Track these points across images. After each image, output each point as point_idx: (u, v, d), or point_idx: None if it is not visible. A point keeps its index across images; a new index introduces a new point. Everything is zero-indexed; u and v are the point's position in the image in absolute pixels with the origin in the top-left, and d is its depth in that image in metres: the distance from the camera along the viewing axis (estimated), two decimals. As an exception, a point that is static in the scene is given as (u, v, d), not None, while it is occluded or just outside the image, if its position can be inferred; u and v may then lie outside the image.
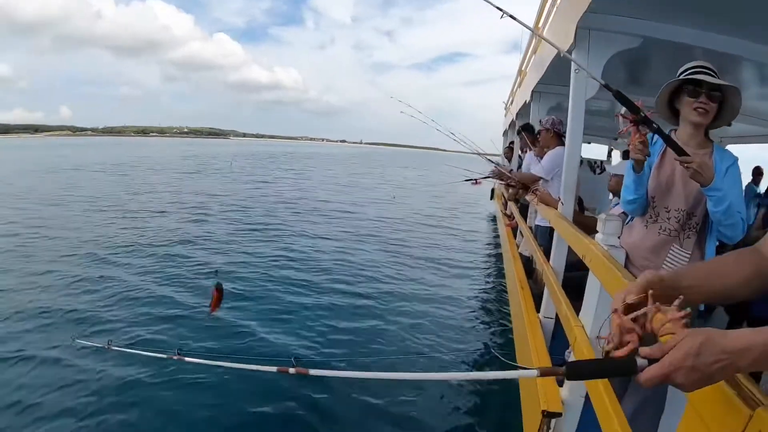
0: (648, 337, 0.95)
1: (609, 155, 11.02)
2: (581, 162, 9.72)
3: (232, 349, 4.64)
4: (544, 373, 0.83)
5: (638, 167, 1.99)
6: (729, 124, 2.04)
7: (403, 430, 3.61)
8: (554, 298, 2.77)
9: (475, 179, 5.53)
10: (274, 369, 1.57)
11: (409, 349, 4.82)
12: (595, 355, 1.99)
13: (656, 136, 2.02)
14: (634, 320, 0.95)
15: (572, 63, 2.81)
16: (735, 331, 0.75)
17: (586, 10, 2.44)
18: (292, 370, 1.50)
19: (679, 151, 1.84)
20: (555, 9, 3.60)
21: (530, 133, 5.04)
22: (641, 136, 1.91)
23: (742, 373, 0.79)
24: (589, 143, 11.24)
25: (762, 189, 6.30)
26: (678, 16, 2.63)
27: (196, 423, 3.60)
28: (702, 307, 2.18)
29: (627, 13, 2.68)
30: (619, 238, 2.13)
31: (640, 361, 0.77)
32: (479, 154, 5.64)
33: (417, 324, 5.51)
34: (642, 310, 0.96)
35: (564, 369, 0.82)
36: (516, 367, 0.96)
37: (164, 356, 2.63)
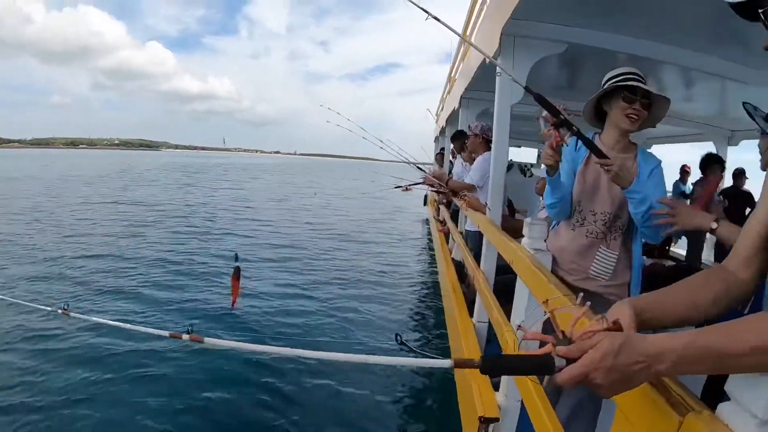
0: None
1: (539, 158, 11.39)
2: (512, 165, 10.00)
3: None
4: (458, 364, 0.80)
5: (551, 171, 2.01)
6: (653, 126, 2.10)
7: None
8: (486, 304, 2.77)
9: (405, 186, 5.54)
10: (166, 333, 1.50)
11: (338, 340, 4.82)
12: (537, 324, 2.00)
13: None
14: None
15: (497, 69, 2.85)
16: (655, 335, 0.75)
17: (510, 16, 2.46)
18: (186, 337, 1.42)
19: (599, 155, 1.88)
20: (482, 16, 3.66)
21: (463, 140, 5.14)
22: (556, 141, 1.93)
23: (665, 377, 0.78)
24: (519, 147, 11.60)
25: (689, 187, 6.75)
26: (601, 22, 2.72)
27: (74, 383, 3.75)
28: None
29: (551, 19, 2.74)
30: (545, 241, 2.15)
31: (558, 361, 0.75)
32: (408, 162, 5.66)
33: (350, 321, 5.51)
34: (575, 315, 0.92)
35: (479, 362, 0.79)
36: (430, 356, 0.91)
37: (48, 309, 2.45)
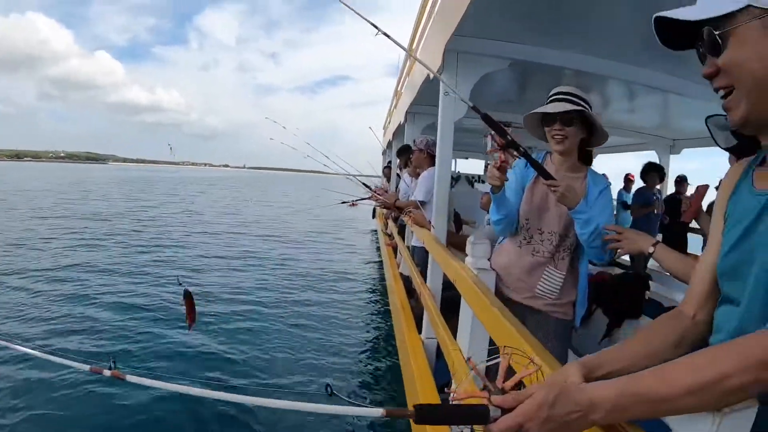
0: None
1: (486, 169, 11.57)
2: (459, 177, 10.10)
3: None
4: (390, 413, 0.78)
5: (496, 190, 2.00)
6: (603, 139, 2.10)
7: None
8: (432, 321, 2.74)
9: (351, 202, 5.49)
10: (87, 368, 1.40)
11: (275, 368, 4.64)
12: (473, 380, 1.97)
13: (533, 156, 2.07)
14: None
15: (441, 85, 2.86)
16: (593, 384, 0.76)
17: (453, 33, 2.47)
18: (107, 372, 1.33)
19: (546, 176, 1.89)
20: (426, 31, 3.68)
21: (408, 155, 5.15)
22: (502, 162, 1.93)
23: (602, 424, 0.76)
24: (467, 158, 11.79)
25: (630, 196, 7.12)
26: (544, 39, 2.77)
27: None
28: (578, 323, 2.24)
29: (494, 36, 2.78)
30: (489, 260, 2.14)
31: (493, 411, 0.76)
32: (348, 175, 5.63)
33: (292, 346, 5.29)
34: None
35: (412, 411, 0.78)
36: (360, 405, 0.88)
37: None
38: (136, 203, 22.63)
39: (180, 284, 2.70)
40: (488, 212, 3.55)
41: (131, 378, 1.28)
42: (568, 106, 1.95)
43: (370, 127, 5.18)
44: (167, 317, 5.89)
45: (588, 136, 2.05)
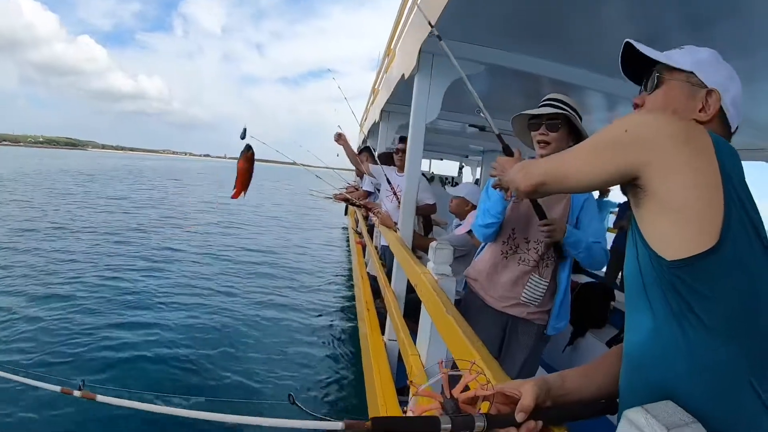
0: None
1: (460, 171, 11.61)
2: (433, 178, 10.07)
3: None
4: (349, 426, 0.83)
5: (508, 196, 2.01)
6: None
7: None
8: (393, 325, 2.71)
9: (322, 195, 5.39)
10: (57, 389, 1.44)
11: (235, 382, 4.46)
12: (430, 385, 1.96)
13: None
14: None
15: (415, 85, 2.83)
16: None
17: (428, 35, 2.44)
18: (77, 393, 1.38)
19: (541, 215, 1.92)
20: (405, 31, 3.64)
21: (369, 154, 5.15)
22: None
23: None
24: (442, 159, 11.79)
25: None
26: (521, 46, 2.75)
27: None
28: (551, 332, 2.23)
29: (469, 40, 2.74)
30: (450, 266, 2.11)
31: (444, 421, 0.82)
32: (327, 168, 5.58)
33: (257, 349, 5.19)
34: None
35: (369, 424, 0.82)
36: (320, 418, 0.88)
37: None
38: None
39: (243, 137, 2.26)
40: (456, 217, 3.56)
41: (102, 398, 1.32)
42: (552, 110, 1.96)
43: (339, 126, 5.10)
44: (125, 320, 5.69)
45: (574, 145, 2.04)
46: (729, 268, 0.77)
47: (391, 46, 4.48)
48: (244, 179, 2.30)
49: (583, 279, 4.68)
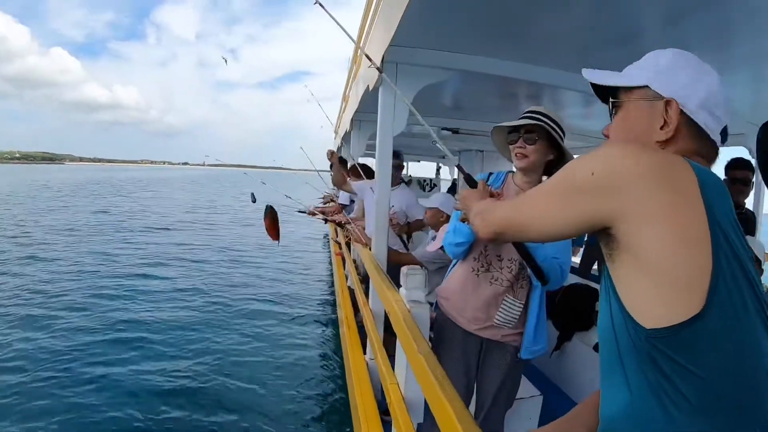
0: None
1: (438, 173, 11.58)
2: (410, 181, 9.99)
3: None
4: None
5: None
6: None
7: None
8: (372, 348, 2.61)
9: (308, 211, 5.27)
10: None
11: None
12: (410, 417, 1.88)
13: (493, 176, 2.11)
14: None
15: (379, 97, 2.73)
16: None
17: (390, 44, 2.35)
18: None
19: None
20: (368, 41, 3.55)
21: (344, 165, 5.08)
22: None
23: None
24: (419, 161, 11.75)
25: None
26: (489, 49, 2.68)
27: None
28: (526, 356, 2.14)
29: (434, 46, 2.67)
30: (423, 291, 2.01)
31: None
32: (311, 170, 5.47)
33: (237, 370, 5.01)
34: None
35: None
36: None
37: None
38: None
39: (254, 201, 2.84)
40: (432, 228, 3.47)
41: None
42: (529, 122, 1.88)
43: (301, 147, 5.09)
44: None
45: (556, 159, 1.96)
46: (717, 335, 0.66)
47: (357, 53, 4.38)
48: (275, 230, 3.09)
49: (570, 280, 4.63)
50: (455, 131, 5.47)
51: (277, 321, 6.75)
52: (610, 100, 0.93)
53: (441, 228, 2.97)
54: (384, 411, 2.39)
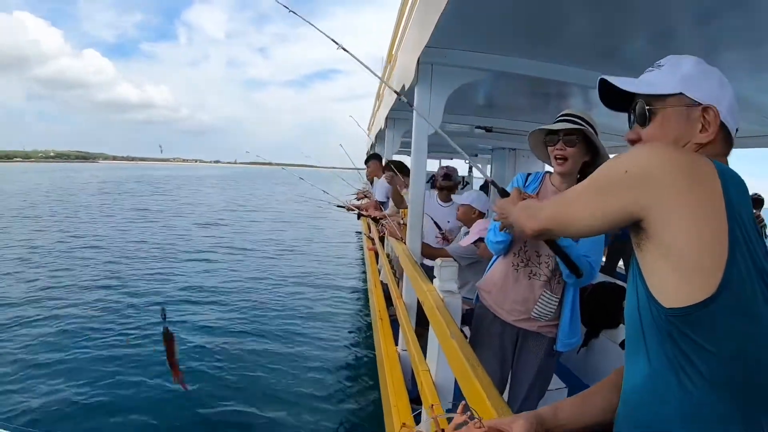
0: None
1: (470, 171, 11.54)
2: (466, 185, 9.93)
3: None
4: None
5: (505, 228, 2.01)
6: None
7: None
8: (404, 338, 2.71)
9: (344, 205, 5.38)
10: None
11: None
12: (440, 403, 1.97)
13: (531, 176, 2.16)
14: None
15: (415, 99, 2.80)
16: None
17: (426, 45, 2.43)
18: None
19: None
20: (404, 38, 3.62)
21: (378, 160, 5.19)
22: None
23: None
24: (451, 159, 11.73)
25: None
26: (521, 50, 2.72)
27: None
28: (562, 349, 2.21)
29: (468, 47, 2.73)
30: (457, 280, 2.10)
31: None
32: (337, 168, 5.60)
33: (273, 368, 5.09)
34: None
35: None
36: None
37: None
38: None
39: (163, 318, 2.11)
40: (464, 225, 3.54)
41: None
42: (570, 125, 1.93)
43: (350, 116, 5.23)
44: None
45: (591, 160, 2.02)
46: (729, 317, 0.74)
47: (392, 51, 4.46)
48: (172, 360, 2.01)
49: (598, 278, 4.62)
50: (488, 129, 5.52)
51: (307, 314, 6.96)
52: (644, 106, 0.96)
53: (474, 224, 3.05)
54: (413, 400, 2.49)
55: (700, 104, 0.90)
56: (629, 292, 0.89)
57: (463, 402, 1.02)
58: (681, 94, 0.92)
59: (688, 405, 0.77)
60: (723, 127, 0.90)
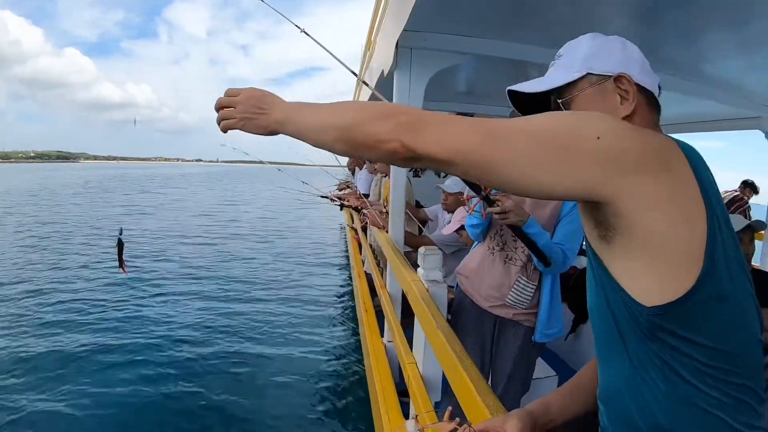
0: None
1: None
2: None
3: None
4: None
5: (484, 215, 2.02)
6: None
7: None
8: (390, 329, 2.66)
9: (330, 197, 5.34)
10: None
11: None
12: (428, 395, 1.93)
13: None
14: None
15: (394, 84, 2.75)
16: (280, 104, 0.87)
17: (403, 28, 2.36)
18: None
19: (490, 203, 1.86)
20: (382, 23, 3.55)
21: None
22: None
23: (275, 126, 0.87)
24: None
25: None
26: (502, 32, 2.67)
27: None
28: (540, 340, 2.17)
29: (447, 30, 2.66)
30: (440, 271, 2.05)
31: None
32: (320, 166, 5.52)
33: (257, 362, 5.02)
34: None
35: None
36: None
37: None
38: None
39: (120, 233, 3.00)
40: (449, 213, 3.49)
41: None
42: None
43: None
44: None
45: None
46: (712, 307, 0.68)
47: (371, 38, 4.38)
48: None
49: (584, 263, 4.62)
50: (470, 116, 5.47)
51: (292, 307, 6.85)
52: (559, 101, 0.90)
53: (456, 211, 3.00)
54: (401, 392, 2.45)
55: (609, 76, 0.85)
56: (592, 292, 0.82)
57: (450, 408, 0.97)
58: (588, 74, 0.87)
59: (675, 397, 0.72)
60: (643, 90, 0.85)
